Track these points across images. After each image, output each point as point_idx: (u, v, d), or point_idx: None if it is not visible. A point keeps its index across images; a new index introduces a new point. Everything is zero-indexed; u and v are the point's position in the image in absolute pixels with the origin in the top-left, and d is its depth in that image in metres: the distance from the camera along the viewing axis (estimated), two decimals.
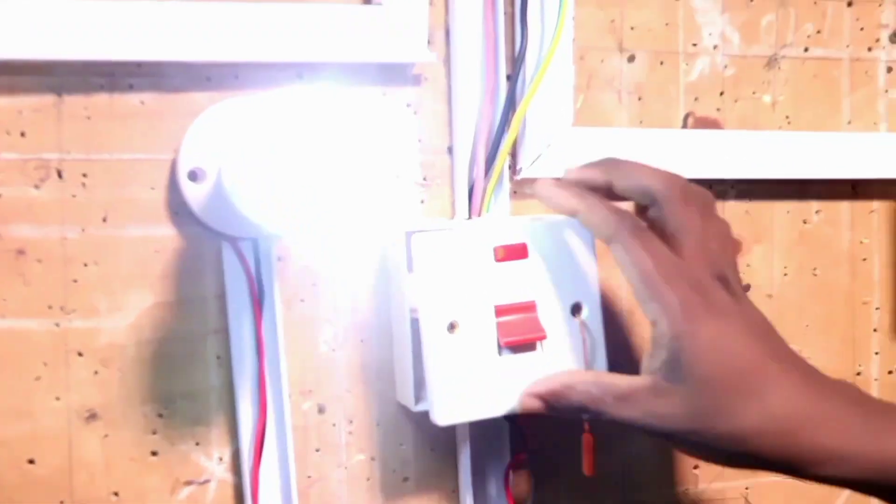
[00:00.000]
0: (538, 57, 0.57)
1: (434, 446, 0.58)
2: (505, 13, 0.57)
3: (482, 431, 0.57)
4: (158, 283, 0.53)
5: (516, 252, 0.51)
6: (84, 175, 0.51)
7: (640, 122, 0.61)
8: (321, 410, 0.56)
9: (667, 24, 0.62)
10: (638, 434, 0.48)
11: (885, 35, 0.66)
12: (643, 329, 0.61)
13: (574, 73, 0.59)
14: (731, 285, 0.49)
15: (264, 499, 0.54)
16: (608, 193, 0.51)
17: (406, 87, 0.56)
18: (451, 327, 0.51)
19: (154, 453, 0.53)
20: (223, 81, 0.53)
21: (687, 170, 0.60)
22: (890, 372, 0.68)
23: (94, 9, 0.49)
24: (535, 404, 0.50)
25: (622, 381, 0.48)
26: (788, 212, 0.65)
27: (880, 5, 0.66)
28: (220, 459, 0.54)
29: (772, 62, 0.64)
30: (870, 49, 0.66)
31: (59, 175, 0.51)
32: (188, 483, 0.54)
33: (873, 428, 0.46)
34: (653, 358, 0.47)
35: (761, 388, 0.46)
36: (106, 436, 0.52)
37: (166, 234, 0.53)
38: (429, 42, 0.55)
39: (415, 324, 0.52)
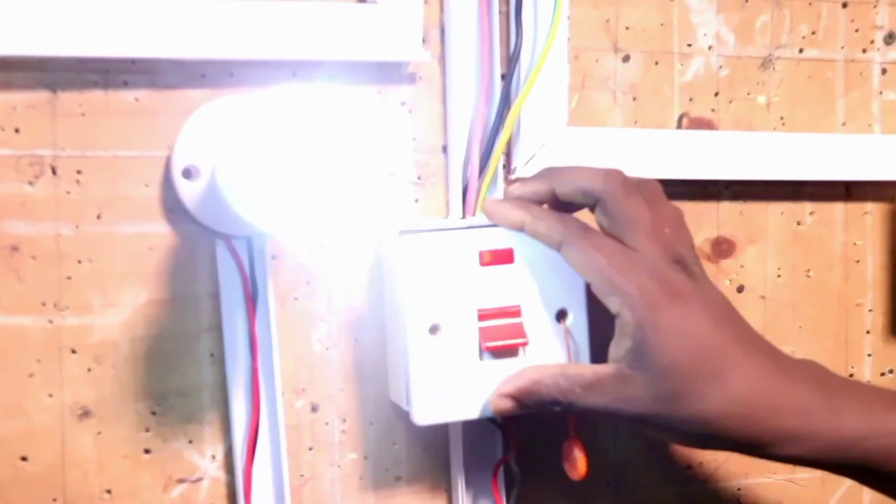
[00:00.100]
0: (533, 56, 0.57)
1: (426, 446, 0.58)
2: (500, 12, 0.57)
3: (474, 431, 0.57)
4: (152, 281, 0.53)
5: (502, 257, 0.52)
6: (78, 172, 0.51)
7: (635, 122, 0.61)
8: (314, 409, 0.56)
9: (662, 25, 0.62)
10: (608, 420, 0.49)
11: (879, 37, 0.66)
12: None
13: (569, 73, 0.59)
14: (690, 267, 0.50)
15: (257, 497, 0.54)
16: (555, 202, 0.52)
17: (401, 86, 0.56)
18: (434, 329, 0.51)
19: (147, 451, 0.53)
20: (218, 79, 0.53)
21: (681, 170, 0.60)
22: (882, 374, 0.68)
23: (89, 5, 0.49)
24: (507, 404, 0.51)
25: (587, 370, 0.49)
26: (782, 213, 0.65)
27: (875, 7, 0.66)
28: (213, 457, 0.54)
29: (766, 63, 0.64)
30: (864, 51, 0.66)
31: (54, 172, 0.51)
32: (181, 481, 0.54)
33: (832, 407, 0.48)
34: (618, 346, 0.48)
35: (723, 371, 0.47)
36: (99, 433, 0.52)
37: (160, 231, 0.53)
38: (424, 41, 0.56)
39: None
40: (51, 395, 0.51)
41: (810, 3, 0.65)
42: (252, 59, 0.52)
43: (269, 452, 0.54)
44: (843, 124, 0.66)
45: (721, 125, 0.63)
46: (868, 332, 0.68)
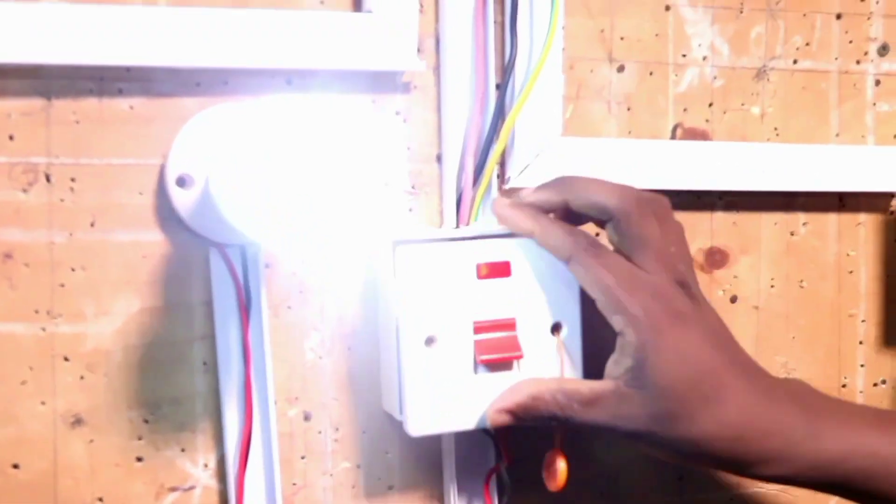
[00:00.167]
0: (528, 66, 0.57)
1: (419, 455, 0.58)
2: (495, 22, 0.57)
3: (466, 440, 0.57)
4: (145, 289, 0.53)
5: (499, 270, 0.52)
6: (72, 179, 0.51)
7: (629, 132, 0.62)
8: (307, 418, 0.56)
9: (656, 35, 0.62)
10: (604, 435, 0.50)
11: (873, 48, 0.66)
12: None
13: (563, 83, 0.59)
14: (691, 289, 0.51)
15: None
16: (566, 212, 0.52)
17: (395, 95, 0.57)
18: (430, 341, 0.51)
19: (139, 459, 0.53)
20: (212, 87, 0.53)
21: (675, 181, 0.60)
22: (875, 384, 0.69)
23: (84, 13, 0.49)
24: (504, 418, 0.51)
25: (584, 386, 0.50)
26: (776, 223, 0.65)
27: (869, 18, 0.66)
28: (206, 466, 0.54)
29: (761, 74, 0.64)
30: (858, 62, 0.66)
31: (48, 179, 0.51)
32: (173, 489, 0.54)
33: (814, 430, 0.50)
34: (617, 364, 0.49)
35: (717, 396, 0.48)
36: (91, 441, 0.52)
37: (154, 239, 0.53)
38: (419, 50, 0.56)
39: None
40: (43, 403, 0.51)
41: (804, 15, 0.65)
42: (247, 68, 0.52)
43: (262, 461, 0.54)
44: (837, 135, 0.66)
45: (715, 136, 0.63)
46: (861, 342, 0.68)
